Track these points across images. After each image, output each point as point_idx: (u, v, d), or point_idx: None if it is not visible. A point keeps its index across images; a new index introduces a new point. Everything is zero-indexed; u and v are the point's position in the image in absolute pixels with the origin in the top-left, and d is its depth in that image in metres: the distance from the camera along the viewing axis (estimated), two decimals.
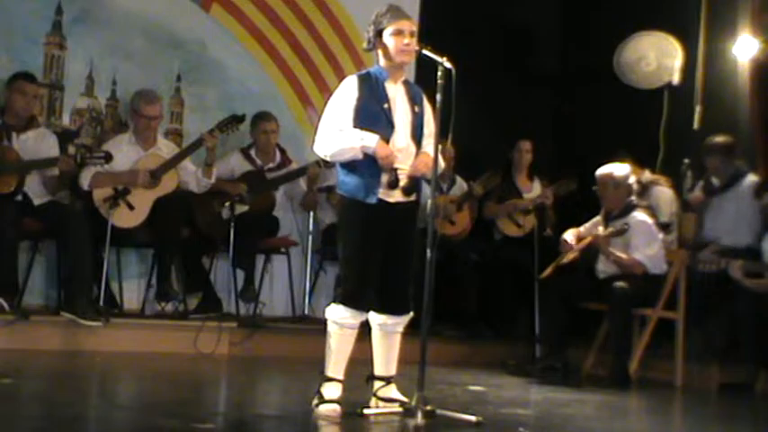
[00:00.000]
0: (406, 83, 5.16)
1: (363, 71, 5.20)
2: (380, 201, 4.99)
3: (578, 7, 9.19)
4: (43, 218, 6.82)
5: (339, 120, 4.99)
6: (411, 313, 5.13)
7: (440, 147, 5.07)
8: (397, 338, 5.17)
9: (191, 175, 7.29)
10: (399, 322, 5.14)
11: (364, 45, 5.13)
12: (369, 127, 4.96)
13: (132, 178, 7.04)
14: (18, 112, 6.84)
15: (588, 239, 7.10)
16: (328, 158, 5.10)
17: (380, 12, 5.05)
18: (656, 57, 7.95)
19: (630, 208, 7.12)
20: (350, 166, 5.00)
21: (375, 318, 5.11)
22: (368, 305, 5.03)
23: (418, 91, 5.18)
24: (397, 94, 5.08)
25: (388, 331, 5.14)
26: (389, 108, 5.02)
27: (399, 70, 5.09)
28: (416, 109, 5.10)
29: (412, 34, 5.02)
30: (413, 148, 5.07)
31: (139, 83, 7.52)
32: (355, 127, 4.97)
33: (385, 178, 4.98)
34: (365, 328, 5.14)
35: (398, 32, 5.00)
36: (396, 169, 4.98)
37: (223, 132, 7.29)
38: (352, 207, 5.02)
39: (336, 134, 4.98)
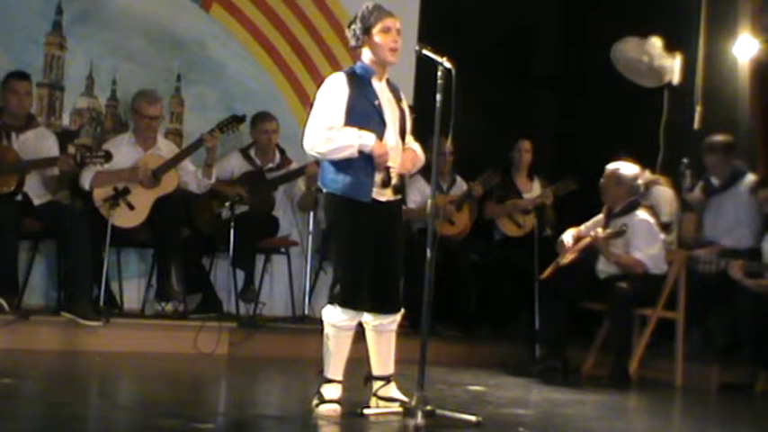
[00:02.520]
0: (387, 80, 5.16)
1: (348, 69, 5.18)
2: (373, 200, 4.99)
3: (578, 7, 9.19)
4: (43, 218, 6.81)
5: (330, 117, 4.96)
6: (402, 310, 5.13)
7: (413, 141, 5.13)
8: (392, 337, 5.17)
9: (190, 176, 7.29)
10: (392, 320, 5.13)
11: (352, 43, 5.12)
12: (362, 125, 4.95)
13: (133, 175, 7.03)
14: (14, 111, 6.84)
15: (587, 240, 7.10)
16: (321, 157, 5.07)
17: (366, 9, 5.05)
18: (651, 59, 7.95)
19: (633, 207, 7.12)
20: (342, 164, 4.97)
21: (368, 319, 5.11)
22: (364, 305, 5.02)
23: (397, 87, 5.20)
24: (383, 91, 5.09)
25: (382, 330, 5.13)
26: (380, 105, 5.03)
27: (384, 69, 5.10)
28: (401, 105, 5.12)
29: (398, 32, 5.03)
30: (400, 145, 5.09)
31: (139, 83, 7.52)
32: (348, 125, 4.96)
33: (379, 177, 4.98)
34: (361, 328, 5.14)
35: (386, 30, 5.00)
36: (389, 168, 4.99)
37: (223, 132, 7.28)
38: (345, 206, 5.00)
39: (330, 132, 4.95)
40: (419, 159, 5.19)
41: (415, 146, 5.19)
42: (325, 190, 5.09)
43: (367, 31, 5.02)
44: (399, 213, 5.14)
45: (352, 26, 5.06)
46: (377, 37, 5.01)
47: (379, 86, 5.08)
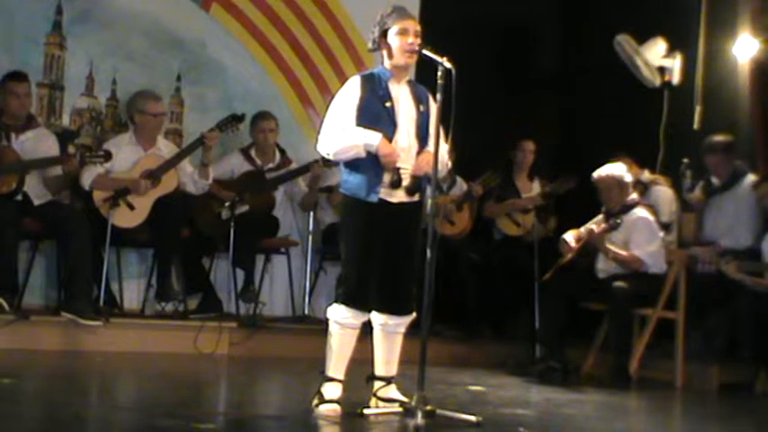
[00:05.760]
0: (410, 83, 5.16)
1: (367, 71, 5.21)
2: (382, 200, 4.99)
3: (578, 7, 9.18)
4: (43, 218, 6.82)
5: (342, 119, 5.00)
6: (414, 314, 5.13)
7: (446, 147, 5.08)
8: (399, 339, 5.17)
9: (188, 177, 7.28)
10: (401, 323, 5.13)
11: (369, 45, 5.14)
12: (371, 125, 4.96)
13: (133, 186, 7.01)
14: (13, 113, 6.84)
15: (584, 239, 7.10)
16: (331, 157, 5.11)
17: (385, 12, 5.06)
18: (647, 63, 7.94)
19: (632, 206, 7.12)
20: (353, 164, 5.01)
21: (377, 318, 5.11)
22: (369, 305, 5.03)
23: (423, 91, 5.17)
24: (400, 93, 5.08)
25: (389, 331, 5.14)
26: (392, 107, 5.02)
27: (403, 71, 5.10)
28: (421, 108, 5.10)
29: (416, 34, 5.03)
30: (416, 147, 5.06)
31: (139, 83, 7.53)
32: (358, 126, 4.97)
33: (387, 177, 4.98)
34: (367, 328, 5.14)
35: (403, 32, 5.01)
36: (398, 168, 4.98)
37: (223, 132, 7.29)
38: (354, 206, 5.02)
39: (339, 133, 4.98)
40: (440, 162, 4.98)
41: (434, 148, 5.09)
42: (341, 190, 5.12)
43: (384, 33, 5.03)
44: (415, 215, 5.08)
45: (373, 29, 5.07)
46: (393, 39, 5.02)
47: (397, 88, 5.07)
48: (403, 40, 5.01)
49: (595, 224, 7.23)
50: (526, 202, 8.20)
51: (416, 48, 5.00)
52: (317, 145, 5.10)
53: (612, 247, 7.02)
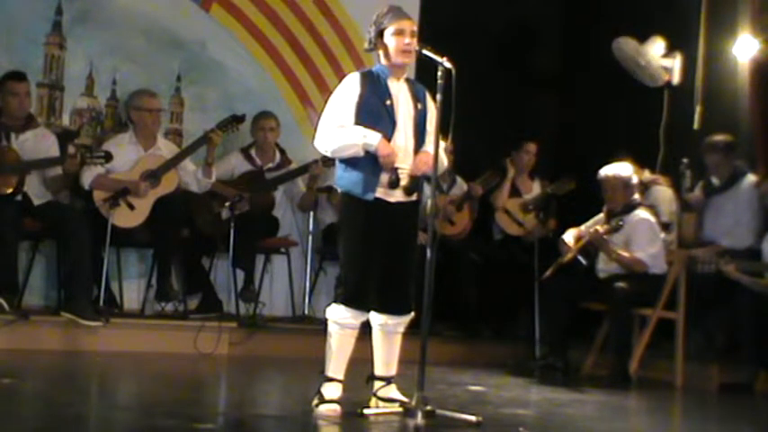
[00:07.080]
0: (408, 81, 5.16)
1: (366, 69, 5.20)
2: (379, 200, 4.98)
3: (579, 7, 9.19)
4: (43, 218, 6.81)
5: (341, 116, 4.99)
6: (412, 313, 5.13)
7: (443, 145, 5.07)
8: (398, 339, 5.17)
9: (190, 176, 7.29)
10: (400, 322, 5.13)
11: (365, 46, 5.13)
12: (371, 124, 4.95)
13: (133, 187, 7.01)
14: (13, 113, 6.83)
15: (585, 238, 7.10)
16: (329, 154, 5.10)
17: (381, 12, 5.06)
18: (648, 63, 7.94)
19: (633, 207, 7.12)
20: (350, 162, 5.00)
21: (376, 318, 5.11)
22: (368, 305, 5.03)
23: (421, 89, 5.16)
24: (399, 91, 5.07)
25: (388, 331, 5.13)
26: (392, 105, 5.02)
27: (401, 69, 5.09)
28: (419, 106, 5.09)
29: (412, 34, 5.02)
30: (414, 146, 5.06)
31: (139, 83, 7.52)
32: (357, 124, 4.97)
33: (385, 177, 4.97)
34: (366, 328, 5.14)
35: (399, 32, 5.00)
36: (396, 168, 4.98)
37: (224, 132, 7.29)
38: (351, 204, 5.01)
39: (338, 130, 4.97)
40: (440, 161, 4.99)
41: (432, 148, 5.03)
42: (336, 186, 5.12)
43: (380, 33, 5.03)
44: (412, 215, 5.09)
45: (369, 29, 5.07)
46: (389, 39, 5.01)
47: (396, 86, 5.07)
48: (399, 41, 5.00)
49: (595, 223, 7.23)
50: (530, 200, 8.22)
51: (412, 48, 5.00)
52: (315, 141, 5.07)
53: (615, 249, 7.02)
